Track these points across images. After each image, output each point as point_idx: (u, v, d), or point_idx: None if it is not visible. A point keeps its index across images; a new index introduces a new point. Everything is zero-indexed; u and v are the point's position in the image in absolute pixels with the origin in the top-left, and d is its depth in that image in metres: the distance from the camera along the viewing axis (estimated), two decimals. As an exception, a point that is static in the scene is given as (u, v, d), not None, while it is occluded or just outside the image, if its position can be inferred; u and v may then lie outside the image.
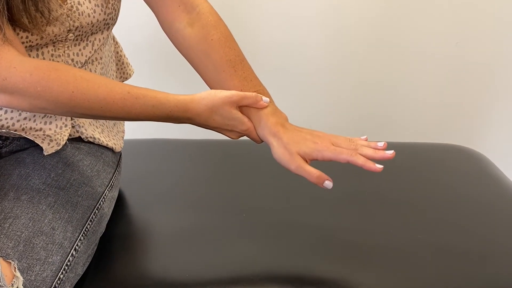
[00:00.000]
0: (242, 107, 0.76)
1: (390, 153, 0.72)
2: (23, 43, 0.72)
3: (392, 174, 1.02)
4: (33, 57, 0.74)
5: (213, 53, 0.80)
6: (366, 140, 0.76)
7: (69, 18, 0.74)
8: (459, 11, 1.45)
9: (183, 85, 1.20)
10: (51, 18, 0.72)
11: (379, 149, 0.73)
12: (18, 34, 0.71)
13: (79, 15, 0.75)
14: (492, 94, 1.56)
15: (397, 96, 1.57)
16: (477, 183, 1.01)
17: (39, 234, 0.67)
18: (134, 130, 1.31)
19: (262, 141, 0.78)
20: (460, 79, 1.54)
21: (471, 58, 1.51)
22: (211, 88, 0.80)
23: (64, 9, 0.74)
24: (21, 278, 0.62)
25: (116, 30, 0.97)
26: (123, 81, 0.98)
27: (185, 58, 0.84)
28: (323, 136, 0.74)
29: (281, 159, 0.74)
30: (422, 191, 0.97)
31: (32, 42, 0.73)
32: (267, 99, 0.77)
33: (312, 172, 0.72)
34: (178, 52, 0.86)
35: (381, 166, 0.71)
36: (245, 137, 0.81)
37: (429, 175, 1.03)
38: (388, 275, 0.76)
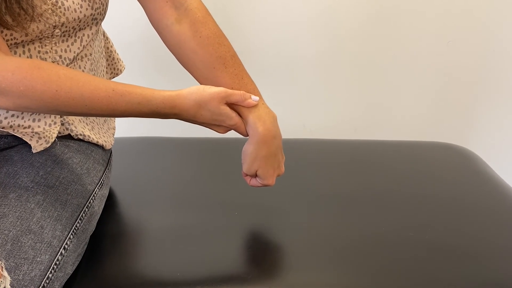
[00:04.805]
0: (231, 104, 0.75)
1: None
2: (7, 40, 0.70)
3: (383, 172, 1.02)
4: (20, 54, 0.73)
5: (202, 50, 0.79)
6: None
7: (54, 14, 0.73)
8: (450, 10, 1.45)
9: (174, 80, 1.19)
10: (34, 15, 0.70)
11: None
12: (2, 32, 0.69)
13: (64, 10, 0.74)
14: (483, 93, 1.57)
15: (389, 95, 1.57)
16: (468, 181, 1.01)
17: (27, 233, 0.66)
18: (126, 129, 1.31)
19: None
20: (451, 78, 1.54)
21: (462, 57, 1.51)
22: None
23: (48, 5, 0.72)
24: (9, 278, 0.61)
25: (106, 26, 0.95)
26: (114, 77, 0.97)
27: (174, 55, 0.83)
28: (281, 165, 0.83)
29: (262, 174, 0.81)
30: (413, 189, 0.97)
31: (17, 39, 0.71)
32: (256, 98, 0.76)
33: None
34: (169, 48, 0.85)
35: None
36: (236, 135, 0.81)
37: (420, 173, 1.03)
38: (378, 273, 0.76)
